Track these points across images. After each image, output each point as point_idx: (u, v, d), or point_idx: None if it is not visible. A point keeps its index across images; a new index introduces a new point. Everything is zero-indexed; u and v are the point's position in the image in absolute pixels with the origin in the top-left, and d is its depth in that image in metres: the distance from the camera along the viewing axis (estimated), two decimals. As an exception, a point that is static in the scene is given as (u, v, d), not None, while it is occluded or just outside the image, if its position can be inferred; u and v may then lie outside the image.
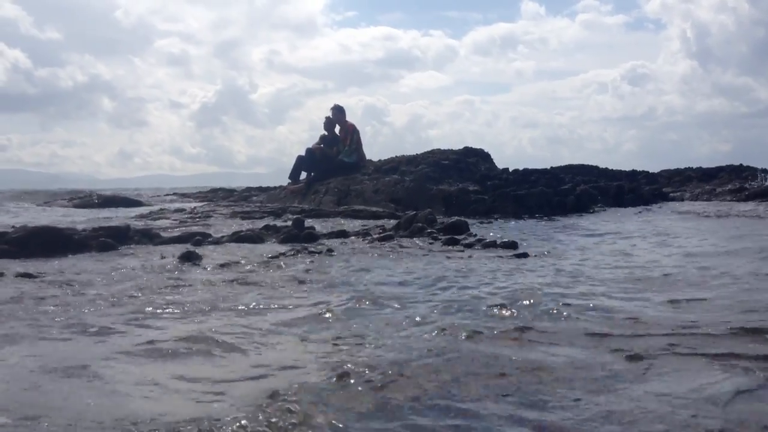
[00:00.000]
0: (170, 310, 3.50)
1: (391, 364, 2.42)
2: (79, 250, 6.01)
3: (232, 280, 4.41)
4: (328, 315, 3.31)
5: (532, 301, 3.50)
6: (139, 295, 3.90)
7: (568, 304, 3.42)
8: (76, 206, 13.82)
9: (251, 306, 3.59)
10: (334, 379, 2.26)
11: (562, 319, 3.16)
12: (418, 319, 3.18)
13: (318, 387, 2.18)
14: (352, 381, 2.23)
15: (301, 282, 4.37)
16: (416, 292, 3.94)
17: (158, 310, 3.48)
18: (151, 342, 2.81)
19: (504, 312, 3.31)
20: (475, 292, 3.83)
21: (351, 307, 3.49)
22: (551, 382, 2.24)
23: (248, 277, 4.54)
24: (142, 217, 9.86)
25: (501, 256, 5.55)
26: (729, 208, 10.67)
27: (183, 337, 2.87)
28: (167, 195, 19.62)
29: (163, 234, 7.16)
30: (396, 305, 3.52)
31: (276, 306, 3.59)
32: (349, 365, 2.40)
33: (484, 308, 3.38)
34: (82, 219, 9.50)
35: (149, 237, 6.88)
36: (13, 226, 7.08)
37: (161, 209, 11.33)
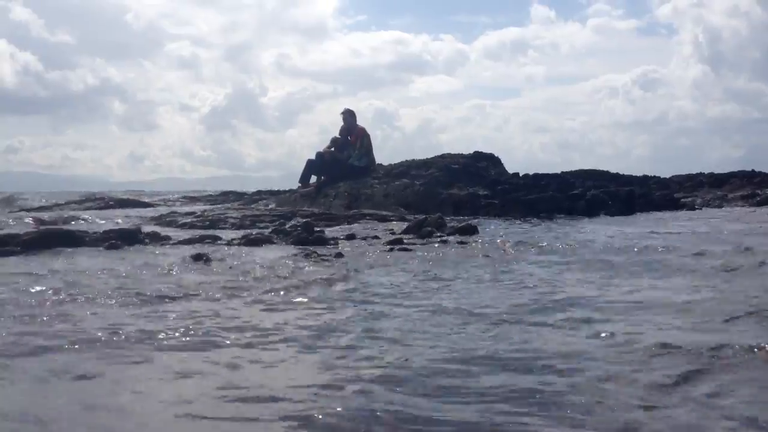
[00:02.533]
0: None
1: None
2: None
3: (231, 287, 4.41)
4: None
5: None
6: (135, 299, 3.90)
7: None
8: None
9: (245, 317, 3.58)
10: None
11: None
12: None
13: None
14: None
15: (303, 287, 4.37)
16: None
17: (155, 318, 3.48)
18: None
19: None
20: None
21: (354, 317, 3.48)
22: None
23: (249, 282, 4.54)
24: (152, 219, 9.89)
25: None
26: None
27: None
28: (178, 198, 19.66)
29: (173, 236, 7.18)
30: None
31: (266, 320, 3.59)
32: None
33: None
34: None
35: (159, 239, 6.91)
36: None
37: (172, 212, 11.34)
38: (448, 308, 3.54)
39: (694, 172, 21.28)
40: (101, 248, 6.31)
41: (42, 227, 7.70)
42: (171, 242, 6.82)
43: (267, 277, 4.71)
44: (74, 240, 6.53)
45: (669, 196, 14.10)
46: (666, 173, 22.07)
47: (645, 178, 19.94)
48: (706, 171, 21.19)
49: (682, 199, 14.64)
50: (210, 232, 7.90)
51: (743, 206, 13.33)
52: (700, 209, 13.01)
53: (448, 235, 7.24)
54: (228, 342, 2.90)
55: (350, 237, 7.31)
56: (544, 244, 6.53)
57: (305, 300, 3.90)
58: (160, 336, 2.98)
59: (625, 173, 19.82)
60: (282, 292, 4.10)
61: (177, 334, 3.00)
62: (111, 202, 14.58)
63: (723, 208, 13.15)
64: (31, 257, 5.76)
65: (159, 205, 15.60)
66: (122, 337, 2.96)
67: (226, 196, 17.96)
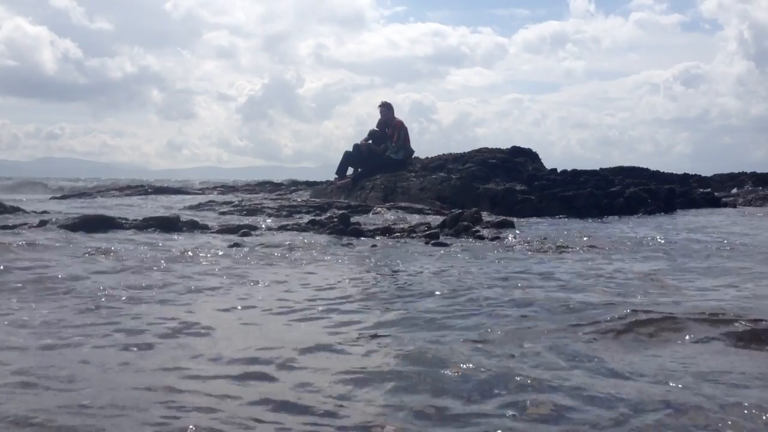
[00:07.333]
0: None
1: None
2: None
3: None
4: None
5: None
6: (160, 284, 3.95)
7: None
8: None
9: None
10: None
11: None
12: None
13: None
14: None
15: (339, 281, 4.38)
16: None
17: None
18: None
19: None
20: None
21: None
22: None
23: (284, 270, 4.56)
24: (191, 207, 10.01)
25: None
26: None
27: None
28: (216, 187, 19.88)
29: (211, 225, 7.26)
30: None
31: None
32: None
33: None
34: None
35: (198, 227, 6.98)
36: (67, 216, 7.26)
37: (210, 201, 11.48)
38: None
39: (736, 171, 20.95)
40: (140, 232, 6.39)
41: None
42: (209, 231, 6.89)
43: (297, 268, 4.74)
44: (113, 226, 6.63)
45: (710, 195, 13.86)
46: (708, 172, 21.77)
47: (686, 176, 19.65)
48: (749, 170, 20.85)
49: (723, 198, 14.39)
50: (247, 221, 7.97)
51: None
52: (741, 208, 12.76)
53: (484, 229, 7.20)
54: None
55: (386, 230, 7.31)
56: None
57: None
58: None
59: (666, 171, 19.56)
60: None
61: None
62: (150, 190, 14.81)
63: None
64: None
65: (197, 193, 15.79)
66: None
67: (263, 186, 18.11)
